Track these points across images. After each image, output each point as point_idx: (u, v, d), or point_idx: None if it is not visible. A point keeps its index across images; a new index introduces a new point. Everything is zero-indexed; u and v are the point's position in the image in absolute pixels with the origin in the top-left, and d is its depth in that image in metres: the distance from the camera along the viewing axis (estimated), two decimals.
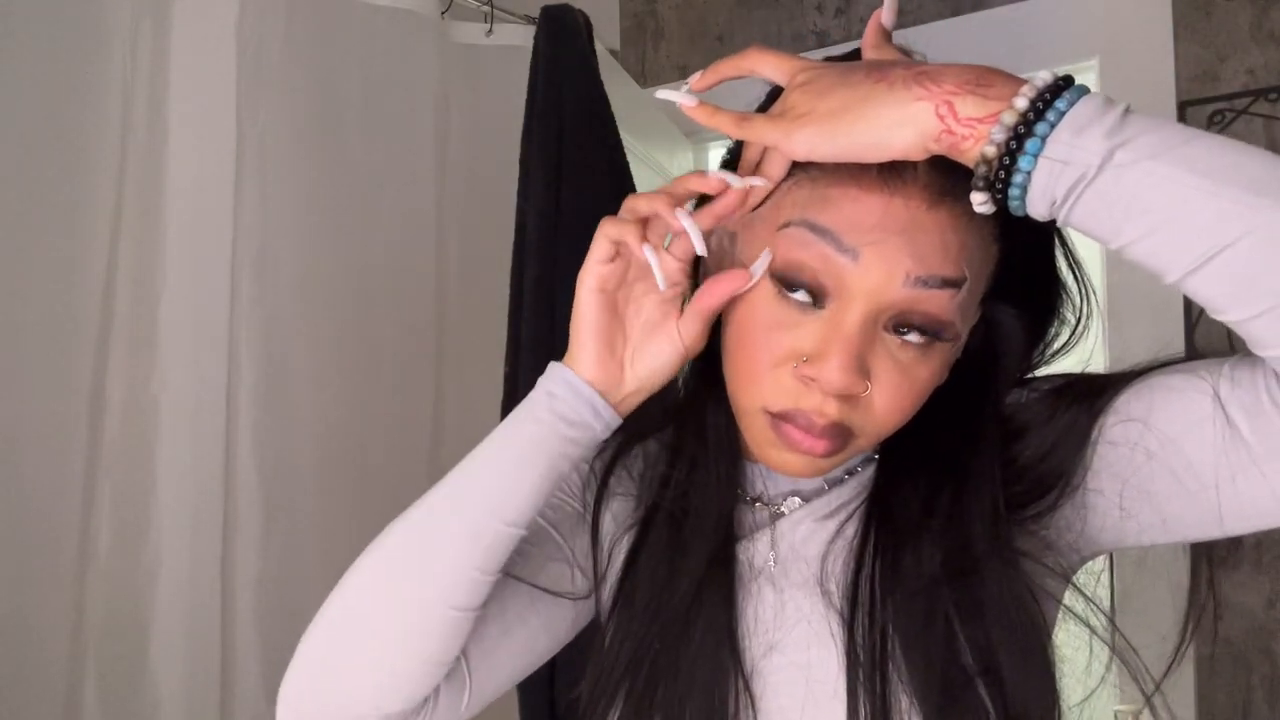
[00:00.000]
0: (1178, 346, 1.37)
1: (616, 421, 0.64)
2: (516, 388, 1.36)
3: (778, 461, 0.62)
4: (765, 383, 0.59)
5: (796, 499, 0.69)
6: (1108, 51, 1.47)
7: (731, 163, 0.66)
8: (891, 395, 0.58)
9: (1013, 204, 0.52)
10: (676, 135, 1.89)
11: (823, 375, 0.56)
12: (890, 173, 0.56)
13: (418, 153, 1.47)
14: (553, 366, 0.64)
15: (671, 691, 0.63)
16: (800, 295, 0.58)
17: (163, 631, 1.19)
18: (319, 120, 1.35)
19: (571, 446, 0.62)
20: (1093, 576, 0.66)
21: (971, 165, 0.52)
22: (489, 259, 1.49)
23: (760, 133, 0.58)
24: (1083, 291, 0.66)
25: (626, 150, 1.47)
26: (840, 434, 0.59)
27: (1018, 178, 0.50)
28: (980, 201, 0.53)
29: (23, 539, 1.10)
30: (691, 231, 0.58)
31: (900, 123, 0.52)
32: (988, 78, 0.52)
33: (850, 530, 0.65)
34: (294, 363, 1.31)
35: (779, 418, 0.59)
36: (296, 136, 1.32)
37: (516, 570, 0.68)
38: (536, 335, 1.34)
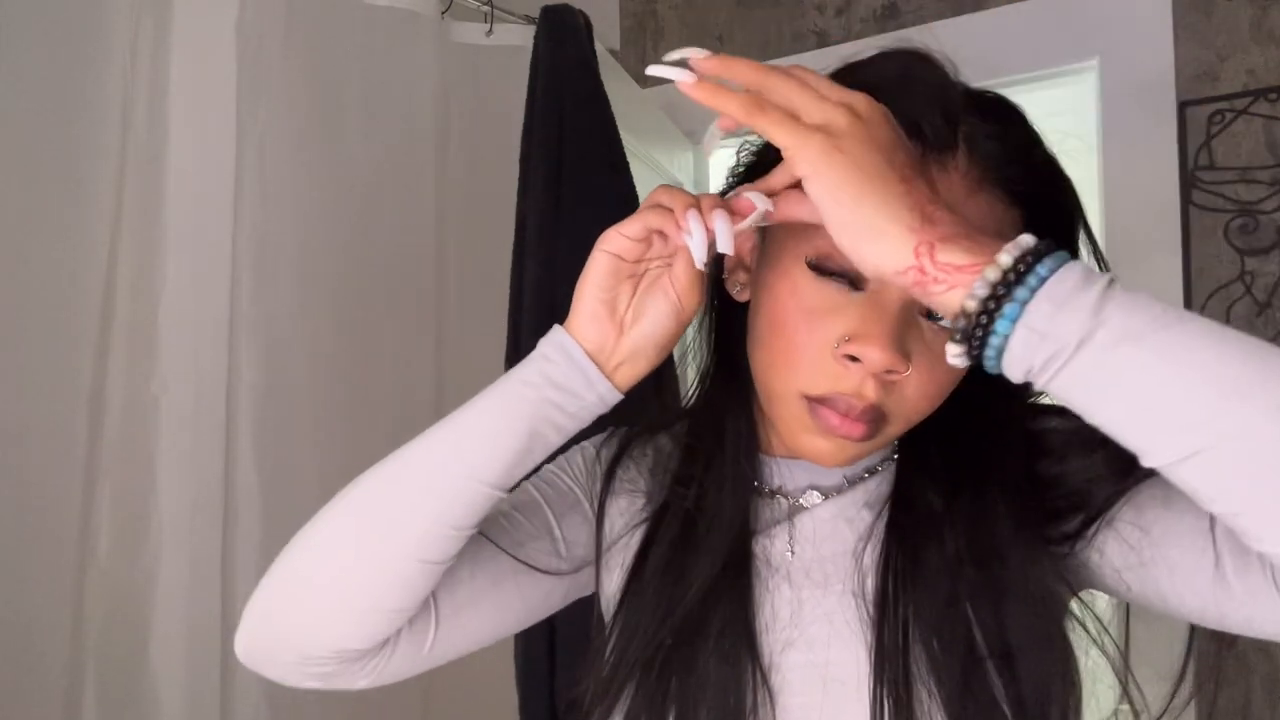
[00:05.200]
0: None
1: (612, 395, 0.63)
2: None
3: (809, 448, 0.61)
4: (804, 366, 0.59)
5: (815, 493, 0.68)
6: (1108, 51, 1.47)
7: (755, 166, 0.66)
8: (926, 380, 0.59)
9: (988, 364, 0.51)
10: (676, 135, 1.89)
11: (866, 353, 0.57)
12: (931, 156, 0.57)
13: (418, 153, 1.47)
14: (554, 329, 0.64)
15: (686, 686, 0.63)
16: (837, 281, 0.58)
17: (163, 631, 1.19)
18: (319, 119, 1.35)
19: (559, 414, 0.62)
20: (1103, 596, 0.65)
21: (946, 313, 0.52)
22: (489, 259, 1.49)
23: (773, 128, 0.54)
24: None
25: (626, 150, 1.47)
26: (876, 418, 0.59)
27: (994, 339, 0.49)
28: (955, 354, 0.52)
29: (23, 539, 1.10)
30: (722, 231, 0.57)
31: (880, 233, 0.51)
32: (976, 234, 0.52)
33: (872, 527, 0.65)
34: (294, 363, 1.31)
35: (817, 402, 0.59)
36: (296, 136, 1.32)
37: (500, 539, 0.68)
38: (536, 335, 1.33)
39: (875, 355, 0.56)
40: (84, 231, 1.16)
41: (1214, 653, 0.65)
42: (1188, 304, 1.38)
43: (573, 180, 1.37)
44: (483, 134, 1.55)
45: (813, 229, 0.57)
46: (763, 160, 0.66)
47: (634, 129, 1.63)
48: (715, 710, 0.61)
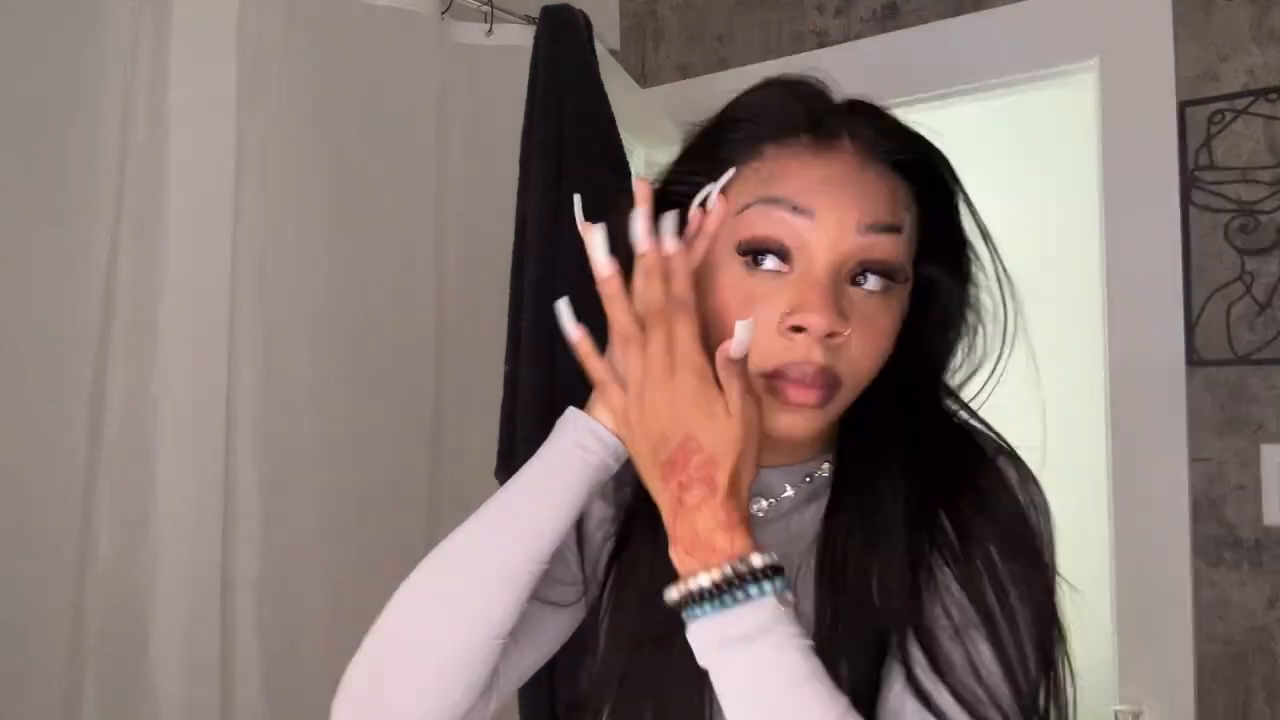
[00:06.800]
0: (1177, 346, 1.38)
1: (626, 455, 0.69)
2: (516, 388, 1.36)
3: (779, 425, 0.65)
4: (755, 349, 0.63)
5: (763, 500, 0.74)
6: (1108, 51, 1.46)
7: (694, 145, 0.76)
8: (866, 339, 0.65)
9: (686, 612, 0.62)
10: (676, 135, 1.89)
11: (809, 320, 0.63)
12: (823, 144, 0.67)
13: (418, 153, 1.47)
14: (577, 418, 0.69)
15: (659, 689, 0.68)
16: (769, 262, 0.65)
17: (163, 631, 1.19)
18: (319, 120, 1.35)
19: (596, 488, 0.69)
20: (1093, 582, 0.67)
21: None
22: (489, 259, 1.49)
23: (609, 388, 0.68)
24: (993, 255, 0.72)
25: (626, 150, 1.47)
26: (830, 381, 0.64)
27: (691, 613, 0.61)
28: (671, 595, 0.63)
29: (23, 539, 1.10)
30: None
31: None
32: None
33: (812, 530, 0.70)
34: (294, 363, 1.31)
35: (773, 377, 0.64)
36: (296, 136, 1.32)
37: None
38: (536, 335, 1.34)
39: (816, 320, 0.62)
40: (84, 232, 1.16)
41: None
42: (1188, 304, 1.38)
43: (573, 180, 1.37)
44: (483, 134, 1.55)
45: (741, 224, 0.66)
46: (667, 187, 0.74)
47: (634, 129, 1.63)
48: (683, 711, 0.67)
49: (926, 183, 0.69)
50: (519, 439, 1.34)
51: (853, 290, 0.65)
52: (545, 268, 1.35)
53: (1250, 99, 1.37)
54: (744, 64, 1.84)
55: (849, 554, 0.67)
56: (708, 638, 0.60)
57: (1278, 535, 1.33)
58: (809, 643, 0.60)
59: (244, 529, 1.25)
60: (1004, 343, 0.72)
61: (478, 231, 1.54)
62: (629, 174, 1.47)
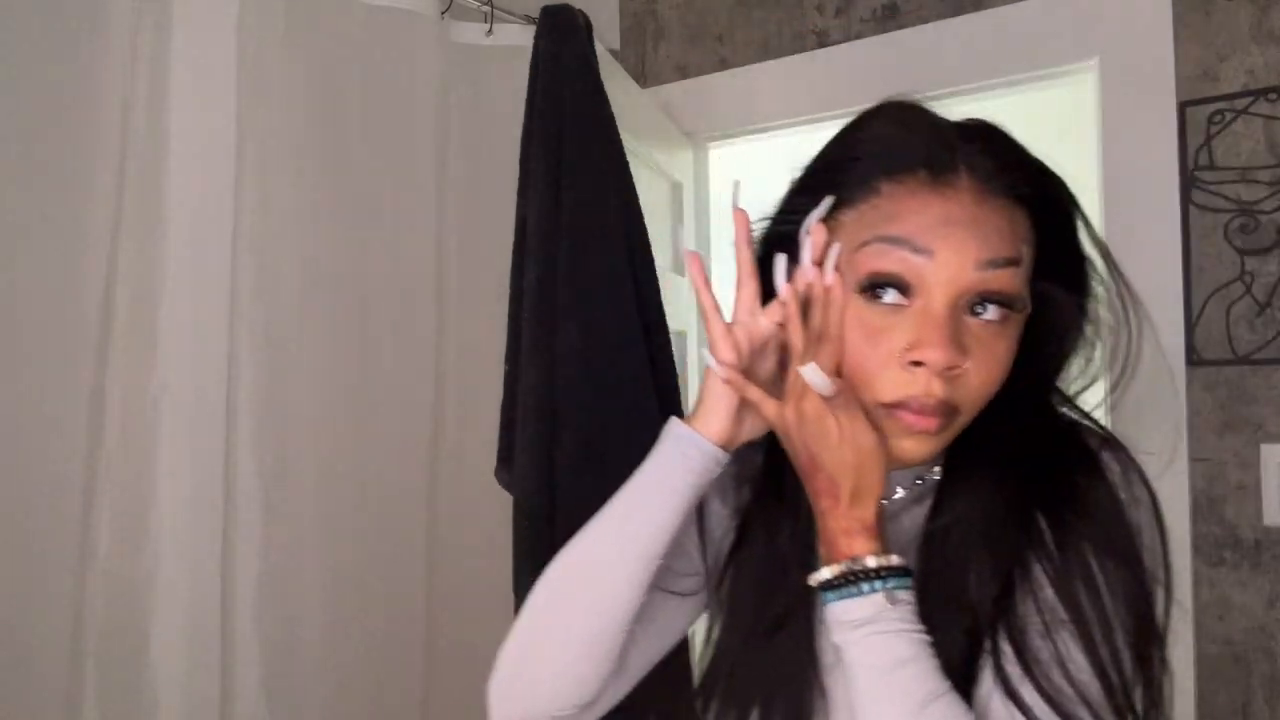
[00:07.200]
0: (1177, 346, 1.38)
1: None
2: (516, 388, 1.36)
3: (896, 450, 0.69)
4: (877, 381, 0.68)
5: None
6: (1108, 51, 1.46)
7: (807, 181, 0.76)
8: (983, 368, 0.68)
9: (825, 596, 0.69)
10: (676, 135, 1.89)
11: (929, 355, 0.66)
12: (940, 180, 0.68)
13: (418, 153, 1.47)
14: (679, 428, 0.74)
15: (764, 687, 0.75)
16: (890, 296, 0.68)
17: (163, 631, 1.19)
18: (319, 120, 1.35)
19: (699, 491, 0.74)
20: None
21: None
22: (489, 259, 1.49)
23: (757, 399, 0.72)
24: (1113, 272, 0.74)
25: (626, 150, 1.47)
26: (947, 410, 0.67)
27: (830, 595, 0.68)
28: (817, 578, 0.70)
29: (23, 539, 1.10)
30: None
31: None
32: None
33: (917, 529, 0.74)
34: (294, 362, 1.31)
35: (894, 407, 0.68)
36: (296, 137, 1.32)
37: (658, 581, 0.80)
38: (536, 335, 1.34)
39: (936, 355, 0.65)
40: (84, 231, 1.16)
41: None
42: (1187, 304, 1.38)
43: (573, 180, 1.37)
44: (483, 134, 1.55)
45: (861, 259, 0.68)
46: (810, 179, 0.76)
47: (634, 129, 1.63)
48: (784, 708, 0.73)
49: (1045, 208, 0.70)
50: (519, 439, 1.34)
51: (971, 320, 0.68)
52: (545, 268, 1.35)
53: (1250, 99, 1.37)
54: (744, 64, 1.84)
55: (947, 551, 0.71)
56: (832, 620, 0.68)
57: (1278, 535, 1.33)
58: (916, 633, 0.65)
59: (244, 529, 1.25)
60: (1128, 357, 0.75)
61: (478, 231, 1.54)
62: (629, 174, 1.47)
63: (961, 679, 0.66)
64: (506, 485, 1.38)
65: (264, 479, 1.27)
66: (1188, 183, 1.40)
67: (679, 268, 1.96)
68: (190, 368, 1.22)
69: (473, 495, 1.48)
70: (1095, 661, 0.63)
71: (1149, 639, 0.66)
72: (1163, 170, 1.41)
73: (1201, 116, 1.40)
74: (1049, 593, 0.66)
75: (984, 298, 0.67)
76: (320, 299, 1.34)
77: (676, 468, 0.73)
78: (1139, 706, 0.65)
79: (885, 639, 0.65)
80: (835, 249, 0.70)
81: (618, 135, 1.45)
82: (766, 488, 0.80)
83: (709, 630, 0.82)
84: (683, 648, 1.37)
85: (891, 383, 0.67)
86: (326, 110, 1.36)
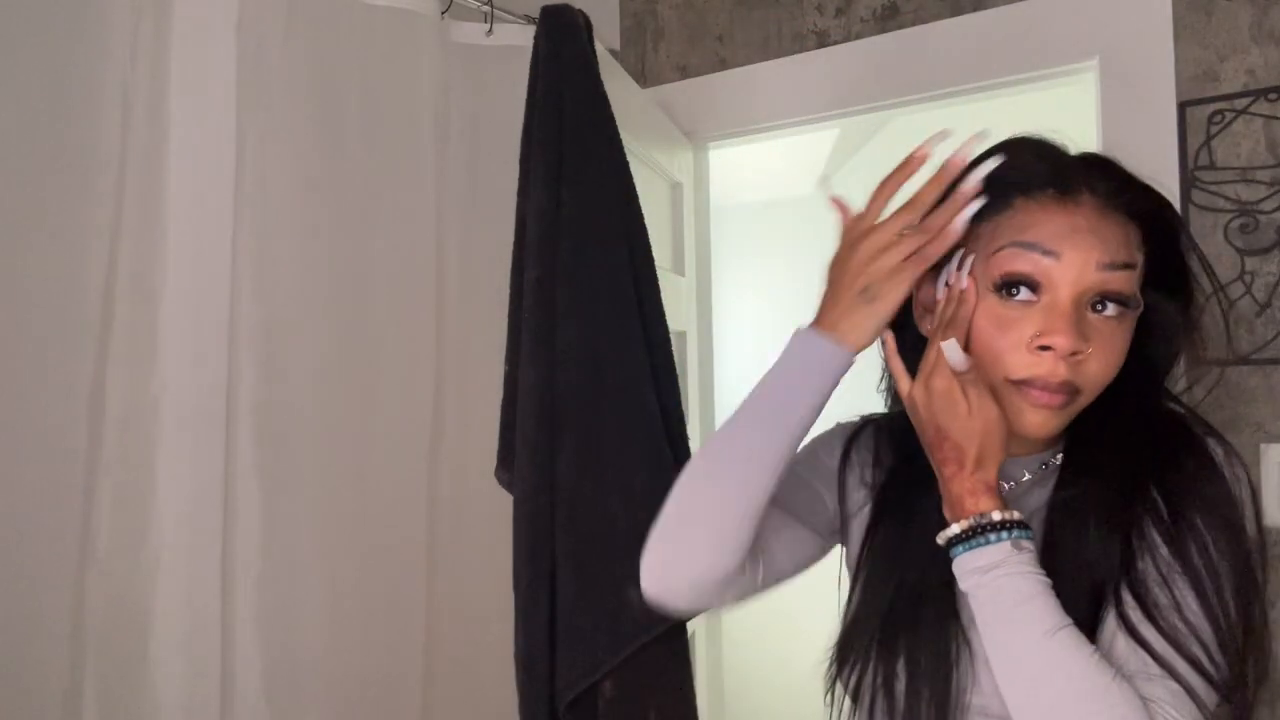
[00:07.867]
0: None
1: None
2: (516, 388, 1.36)
3: (1023, 422, 0.79)
4: (1006, 359, 0.79)
5: (1004, 483, 0.86)
6: (1108, 51, 1.46)
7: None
8: (1102, 356, 0.79)
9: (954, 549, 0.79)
10: (676, 135, 1.89)
11: (1056, 340, 0.77)
12: (1066, 197, 0.80)
13: (418, 153, 1.47)
14: (807, 331, 0.84)
15: (911, 639, 0.83)
16: (1022, 294, 0.79)
17: (163, 631, 1.19)
18: (319, 120, 1.35)
19: (824, 388, 0.83)
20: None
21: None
22: (489, 259, 1.49)
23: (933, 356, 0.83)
24: (1215, 286, 0.87)
25: (626, 150, 1.47)
26: (1070, 390, 0.78)
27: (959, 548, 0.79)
28: (945, 536, 0.80)
29: (23, 539, 1.10)
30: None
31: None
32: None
33: (1042, 505, 0.83)
34: (294, 362, 1.31)
35: (1023, 384, 0.79)
36: (296, 136, 1.32)
37: (794, 508, 0.94)
38: (536, 335, 1.34)
39: (1062, 341, 0.76)
40: (84, 231, 1.16)
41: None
42: None
43: (573, 180, 1.37)
44: (483, 134, 1.55)
45: (997, 260, 0.80)
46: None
47: (634, 129, 1.63)
48: (931, 659, 0.81)
49: (1156, 223, 0.82)
50: (518, 439, 1.34)
51: (1092, 316, 0.79)
52: (545, 268, 1.35)
53: (1250, 99, 1.37)
54: (744, 64, 1.84)
55: (1071, 519, 0.80)
56: (961, 569, 0.78)
57: (1278, 535, 1.33)
58: (1039, 574, 0.75)
59: (244, 528, 1.25)
60: (1225, 360, 0.85)
61: (478, 231, 1.54)
62: (629, 174, 1.47)
63: (1086, 634, 0.74)
64: (506, 485, 1.38)
65: (264, 479, 1.27)
66: (1188, 183, 1.40)
67: (679, 268, 1.96)
68: (190, 368, 1.22)
69: (473, 495, 1.49)
70: (1207, 607, 0.73)
71: (1251, 592, 0.75)
72: (1163, 170, 1.41)
73: (1201, 116, 1.40)
74: (1164, 550, 0.75)
75: (1104, 296, 0.78)
76: (320, 298, 1.34)
77: (802, 366, 0.83)
78: (1244, 650, 0.74)
79: (1012, 579, 0.75)
80: (970, 258, 0.81)
81: (618, 135, 1.45)
82: (901, 468, 0.91)
83: (849, 596, 0.92)
84: (683, 648, 1.37)
85: (1021, 363, 0.78)
86: (326, 110, 1.36)
